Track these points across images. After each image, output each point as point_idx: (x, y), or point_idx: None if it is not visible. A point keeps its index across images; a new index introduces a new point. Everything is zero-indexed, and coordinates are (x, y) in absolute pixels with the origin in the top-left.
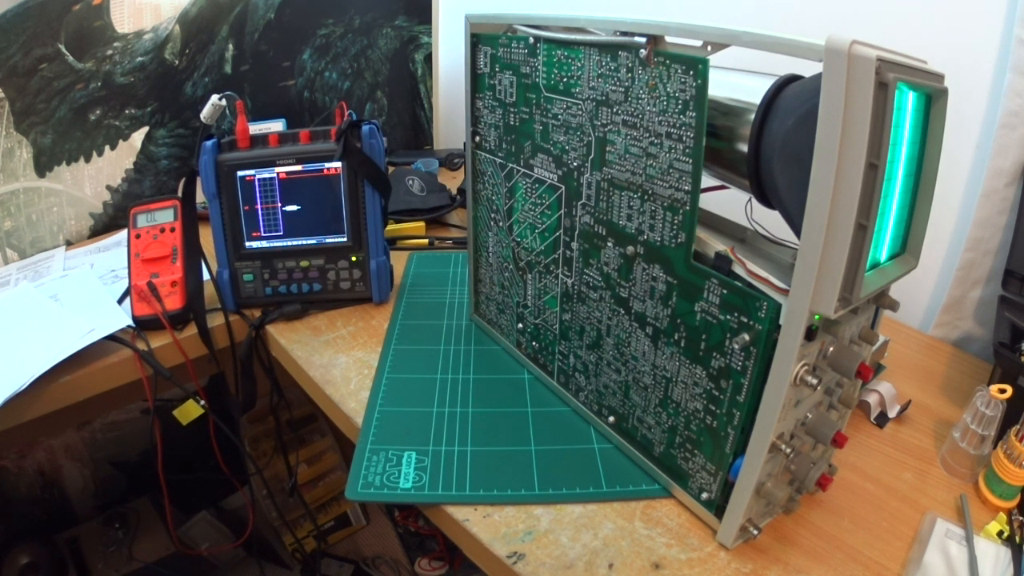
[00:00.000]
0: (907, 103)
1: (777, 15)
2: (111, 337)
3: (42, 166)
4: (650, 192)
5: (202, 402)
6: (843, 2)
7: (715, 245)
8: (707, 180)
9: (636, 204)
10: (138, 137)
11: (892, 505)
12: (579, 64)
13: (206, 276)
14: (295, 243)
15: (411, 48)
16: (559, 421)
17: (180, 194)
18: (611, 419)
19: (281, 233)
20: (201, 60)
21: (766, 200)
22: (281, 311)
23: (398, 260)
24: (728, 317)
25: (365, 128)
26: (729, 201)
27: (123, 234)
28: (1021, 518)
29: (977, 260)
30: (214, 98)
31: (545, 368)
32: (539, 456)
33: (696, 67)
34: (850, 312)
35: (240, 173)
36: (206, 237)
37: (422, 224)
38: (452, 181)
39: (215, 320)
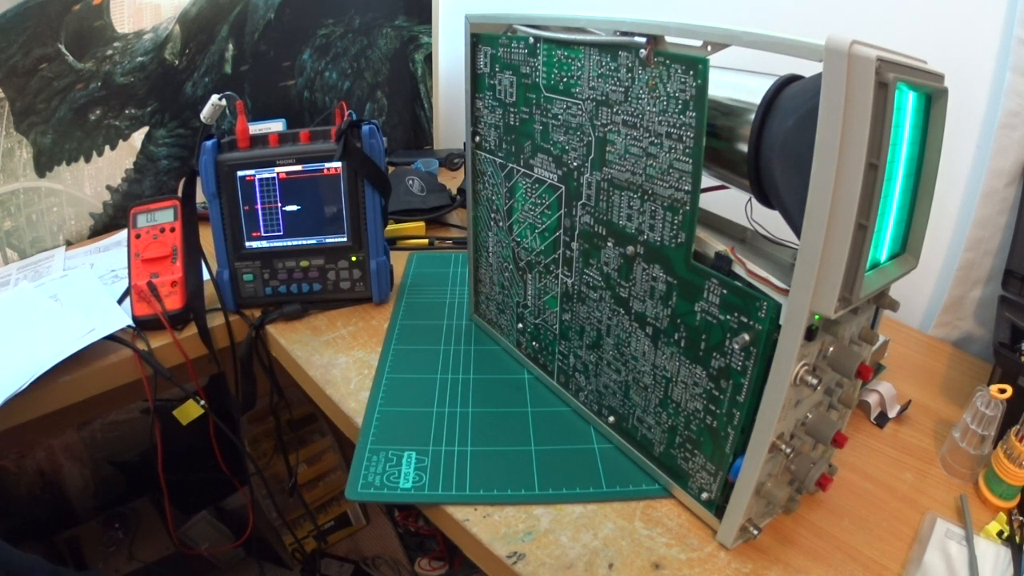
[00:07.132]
0: (907, 103)
1: (777, 15)
2: (111, 337)
3: (42, 166)
4: (650, 192)
5: (202, 402)
6: (843, 2)
7: (715, 245)
8: (707, 180)
9: (636, 204)
10: (138, 137)
11: (892, 505)
12: (579, 64)
13: (206, 276)
14: (295, 243)
15: (411, 48)
16: (559, 421)
17: (180, 194)
18: (611, 419)
19: (281, 233)
20: (201, 60)
21: (766, 200)
22: (281, 311)
23: (398, 260)
24: (728, 317)
25: (365, 128)
26: (729, 201)
27: (123, 234)
28: (1021, 518)
29: (977, 260)
30: (214, 98)
31: (545, 368)
32: (539, 456)
33: (696, 67)
34: (850, 312)
35: (240, 173)
36: (206, 237)
37: (422, 224)
38: (452, 181)
39: (215, 320)
